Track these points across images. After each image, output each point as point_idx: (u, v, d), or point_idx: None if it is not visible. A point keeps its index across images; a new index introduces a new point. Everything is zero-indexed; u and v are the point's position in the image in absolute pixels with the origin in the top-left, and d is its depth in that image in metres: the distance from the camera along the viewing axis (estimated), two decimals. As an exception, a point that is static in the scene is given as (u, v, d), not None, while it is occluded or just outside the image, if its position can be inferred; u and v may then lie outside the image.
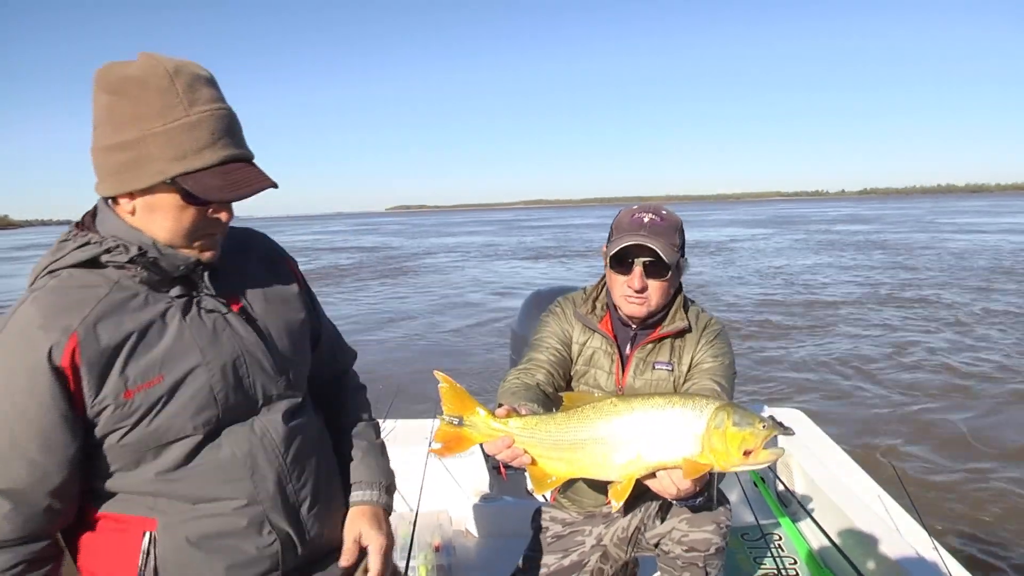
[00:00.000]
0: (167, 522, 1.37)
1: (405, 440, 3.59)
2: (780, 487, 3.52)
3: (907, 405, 7.53)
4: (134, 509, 1.37)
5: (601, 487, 2.20)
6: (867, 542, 2.82)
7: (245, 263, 1.54)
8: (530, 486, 3.48)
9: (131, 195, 1.30)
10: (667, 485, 1.64)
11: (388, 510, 1.71)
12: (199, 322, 1.38)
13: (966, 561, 2.82)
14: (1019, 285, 15.91)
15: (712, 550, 2.12)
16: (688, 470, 1.59)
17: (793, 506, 3.35)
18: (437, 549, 3.06)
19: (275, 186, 1.33)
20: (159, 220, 1.31)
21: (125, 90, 1.25)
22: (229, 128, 1.31)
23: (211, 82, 1.31)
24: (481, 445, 1.70)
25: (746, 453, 1.56)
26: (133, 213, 1.32)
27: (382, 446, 1.81)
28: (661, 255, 2.00)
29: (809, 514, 3.03)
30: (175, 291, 1.37)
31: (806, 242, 32.83)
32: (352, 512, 1.64)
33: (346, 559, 1.58)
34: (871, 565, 2.70)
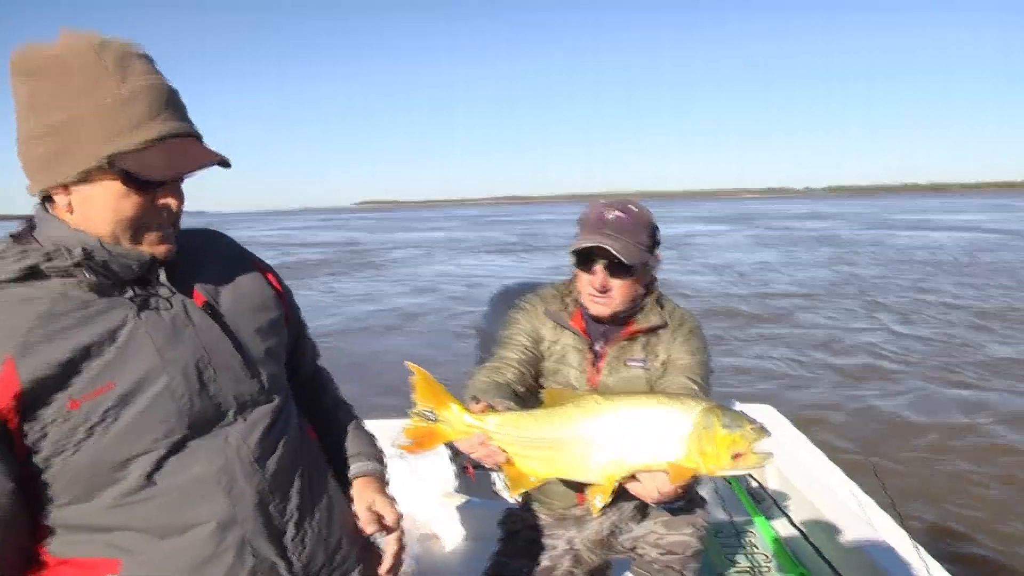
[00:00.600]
0: (132, 561, 1.19)
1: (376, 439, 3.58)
2: (752, 483, 3.48)
3: (845, 390, 8.09)
4: (93, 549, 1.19)
5: (574, 488, 2.18)
6: (840, 537, 2.80)
7: (206, 260, 1.39)
8: (497, 485, 3.43)
9: (66, 188, 1.15)
10: (649, 489, 1.57)
11: (386, 481, 1.66)
12: (156, 319, 1.22)
13: (936, 550, 2.89)
14: (953, 279, 16.93)
15: (690, 553, 2.08)
16: (674, 474, 1.52)
17: (766, 502, 3.31)
18: None
19: (226, 163, 1.22)
20: (100, 212, 1.16)
21: (46, 71, 1.13)
22: (169, 101, 1.18)
23: (144, 57, 1.20)
24: (452, 443, 1.66)
25: (735, 456, 1.50)
26: (71, 210, 1.17)
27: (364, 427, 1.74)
28: (620, 258, 1.96)
29: (782, 510, 3.02)
30: (129, 292, 1.21)
31: (760, 238, 33.72)
32: (359, 484, 1.58)
33: (369, 528, 1.52)
34: (845, 560, 2.67)
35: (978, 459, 5.95)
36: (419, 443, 1.62)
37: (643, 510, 2.15)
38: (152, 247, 1.23)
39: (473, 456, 1.62)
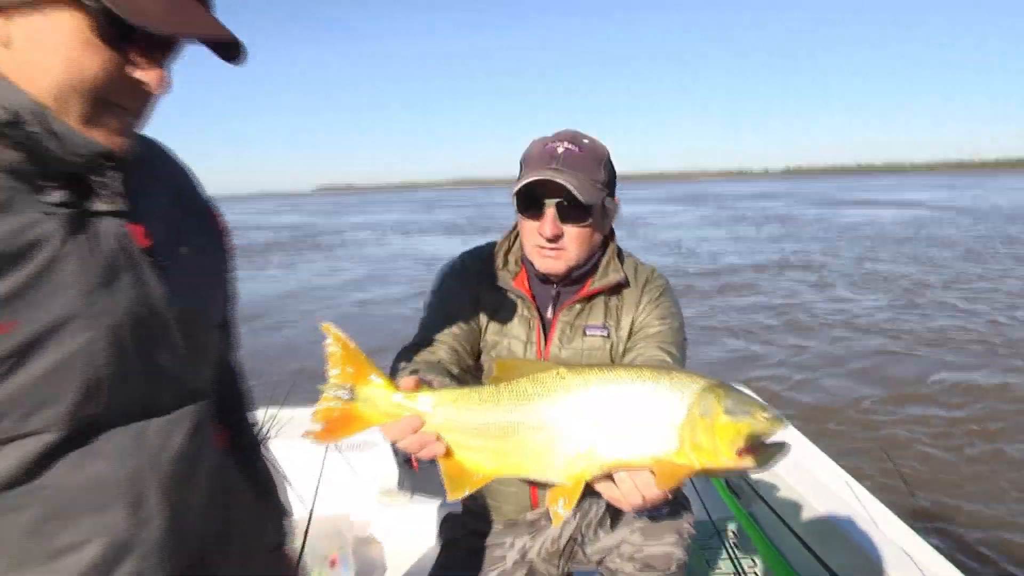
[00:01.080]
0: None
1: (299, 430, 3.29)
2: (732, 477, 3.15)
3: (795, 359, 8.27)
4: None
5: (528, 488, 1.84)
6: (835, 533, 2.48)
7: (156, 185, 1.03)
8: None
9: (3, 10, 0.78)
10: (628, 493, 1.21)
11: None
12: (89, 249, 0.86)
13: (942, 543, 2.67)
14: (891, 252, 17.79)
15: (673, 567, 1.74)
16: (661, 473, 1.17)
17: (747, 496, 2.93)
18: (333, 564, 2.55)
19: (235, 50, 0.89)
20: (47, 60, 0.79)
21: None
22: None
23: None
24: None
25: (741, 452, 1.14)
26: (7, 46, 0.79)
27: None
28: (575, 194, 1.61)
29: (768, 504, 2.59)
30: (57, 196, 0.84)
31: (711, 217, 34.65)
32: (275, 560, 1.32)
33: None
34: (841, 559, 2.31)
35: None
36: (332, 429, 1.27)
37: (615, 514, 1.81)
38: (108, 137, 0.86)
39: (402, 445, 1.27)
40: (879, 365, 7.83)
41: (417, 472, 3.09)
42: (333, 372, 1.27)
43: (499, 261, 1.83)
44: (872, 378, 7.37)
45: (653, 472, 1.18)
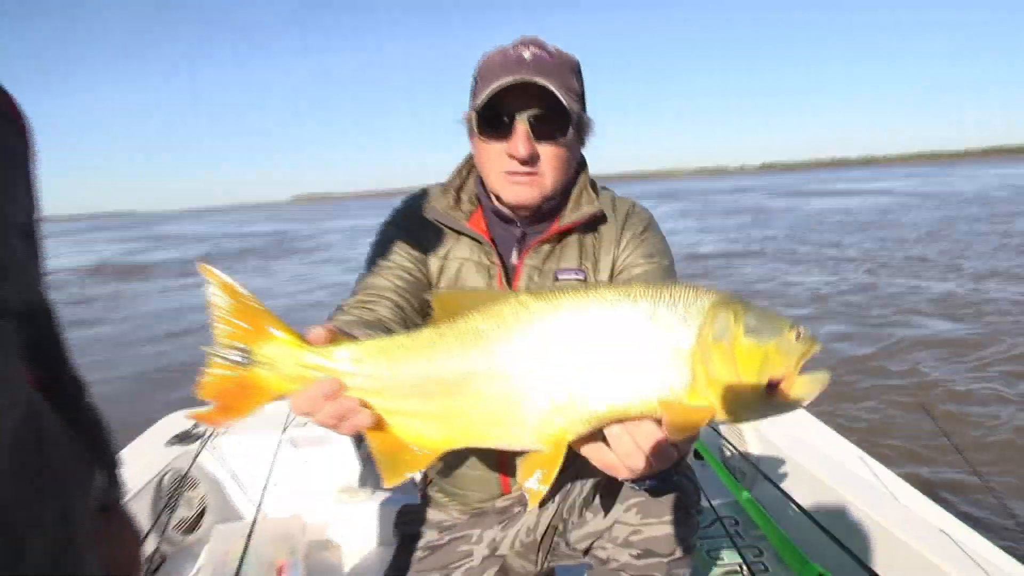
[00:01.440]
0: None
1: (254, 425, 2.86)
2: (728, 452, 2.82)
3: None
4: None
5: (494, 467, 1.59)
6: (855, 514, 2.16)
7: None
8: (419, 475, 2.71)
9: None
10: (627, 453, 0.91)
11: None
12: None
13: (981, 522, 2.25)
14: (858, 238, 18.02)
15: (679, 553, 1.42)
16: (672, 421, 0.87)
17: (750, 476, 2.65)
18: (280, 572, 2.24)
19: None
20: None
21: None
22: None
23: None
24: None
25: (772, 385, 0.89)
26: None
27: None
28: (559, 97, 1.34)
29: (775, 484, 2.24)
30: None
31: (683, 211, 34.93)
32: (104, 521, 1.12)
33: None
34: (867, 544, 2.05)
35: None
36: (227, 406, 0.97)
37: (607, 489, 1.48)
38: None
39: (317, 419, 0.95)
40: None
41: None
42: (220, 329, 0.96)
43: (448, 200, 1.55)
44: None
45: (658, 421, 0.90)
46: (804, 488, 2.37)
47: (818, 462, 2.49)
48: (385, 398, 0.96)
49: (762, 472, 2.36)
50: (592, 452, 0.94)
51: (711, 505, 2.27)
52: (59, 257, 25.86)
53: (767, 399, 0.89)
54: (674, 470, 1.29)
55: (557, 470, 0.93)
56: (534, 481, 0.94)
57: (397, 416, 0.97)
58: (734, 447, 2.74)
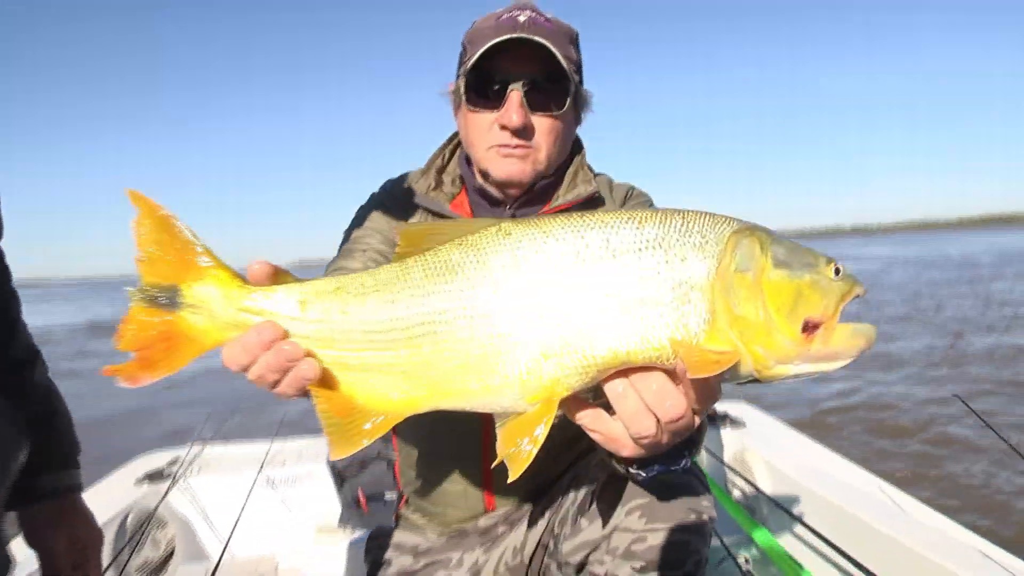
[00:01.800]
0: None
1: (229, 467, 2.77)
2: (737, 493, 2.62)
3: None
4: None
5: (477, 481, 1.41)
6: (881, 541, 1.98)
7: None
8: (404, 509, 2.37)
9: None
10: (633, 415, 0.74)
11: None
12: None
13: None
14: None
15: (690, 565, 1.21)
16: (693, 363, 0.70)
17: (765, 510, 2.45)
18: None
19: None
20: None
21: None
22: None
23: None
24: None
25: (808, 327, 0.72)
26: None
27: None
28: (559, 59, 1.23)
29: (793, 516, 2.09)
30: None
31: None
32: (57, 507, 1.17)
33: (65, 571, 1.14)
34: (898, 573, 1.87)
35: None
36: (149, 359, 0.80)
37: (605, 493, 1.29)
38: None
39: (253, 374, 0.78)
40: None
41: (366, 511, 2.59)
42: (144, 266, 0.81)
43: (430, 181, 1.43)
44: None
45: (669, 373, 0.74)
46: (826, 520, 2.14)
47: (838, 489, 2.28)
48: (337, 348, 0.80)
49: (779, 505, 2.17)
50: (590, 420, 0.78)
51: (722, 542, 2.06)
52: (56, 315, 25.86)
53: (801, 347, 0.72)
54: (686, 451, 1.10)
55: (547, 431, 0.75)
56: (522, 447, 0.76)
57: (351, 371, 0.80)
58: (746, 479, 2.51)
